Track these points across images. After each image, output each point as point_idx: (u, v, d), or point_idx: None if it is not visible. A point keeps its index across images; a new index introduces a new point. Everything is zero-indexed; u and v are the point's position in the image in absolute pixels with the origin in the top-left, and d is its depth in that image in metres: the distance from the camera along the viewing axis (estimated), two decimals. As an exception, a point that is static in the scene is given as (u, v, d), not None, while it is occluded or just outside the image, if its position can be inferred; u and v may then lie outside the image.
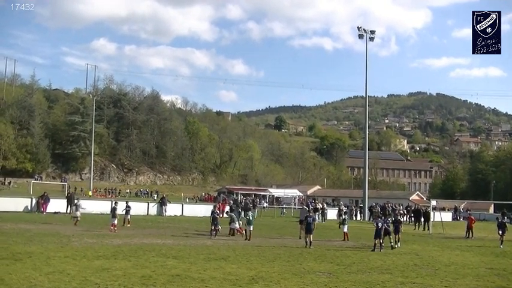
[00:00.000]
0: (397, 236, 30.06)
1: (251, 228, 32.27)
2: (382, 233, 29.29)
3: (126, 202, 40.12)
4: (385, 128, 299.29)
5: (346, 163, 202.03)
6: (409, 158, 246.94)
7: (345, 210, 56.81)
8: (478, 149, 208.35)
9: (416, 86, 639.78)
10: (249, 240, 31.18)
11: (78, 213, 36.85)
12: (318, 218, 53.57)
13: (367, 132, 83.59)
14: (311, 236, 28.64)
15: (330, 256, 25.01)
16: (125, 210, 37.35)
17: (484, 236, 42.27)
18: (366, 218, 68.13)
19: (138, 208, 51.54)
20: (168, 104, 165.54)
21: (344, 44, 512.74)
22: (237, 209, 36.77)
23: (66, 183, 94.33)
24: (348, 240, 33.60)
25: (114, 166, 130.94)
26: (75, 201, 39.85)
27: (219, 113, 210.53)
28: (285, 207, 74.69)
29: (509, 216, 71.31)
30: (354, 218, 70.53)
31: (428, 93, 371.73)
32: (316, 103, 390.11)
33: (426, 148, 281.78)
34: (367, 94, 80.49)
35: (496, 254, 29.86)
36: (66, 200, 49.27)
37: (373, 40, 78.25)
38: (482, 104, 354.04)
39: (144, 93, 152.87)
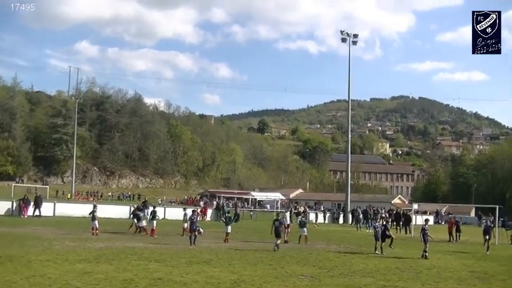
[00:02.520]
0: (381, 243, 29.96)
1: (229, 230, 32.33)
2: (380, 236, 29.84)
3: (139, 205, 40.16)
4: (367, 132, 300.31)
5: (328, 167, 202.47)
6: (391, 161, 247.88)
7: (301, 210, 57.21)
8: (459, 153, 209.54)
9: (399, 90, 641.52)
10: (226, 242, 31.26)
11: (144, 223, 36.31)
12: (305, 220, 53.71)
13: (350, 135, 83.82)
14: (279, 239, 28.80)
15: (312, 259, 25.05)
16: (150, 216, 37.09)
17: (466, 239, 42.50)
18: (349, 222, 68.27)
19: (121, 211, 51.53)
20: (151, 107, 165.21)
21: (328, 48, 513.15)
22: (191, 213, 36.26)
23: (47, 186, 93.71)
24: (307, 242, 33.55)
25: (96, 169, 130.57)
26: (151, 208, 39.27)
27: (202, 116, 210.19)
28: (253, 211, 74.05)
29: (489, 220, 71.69)
30: (337, 222, 70.78)
31: (411, 97, 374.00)
32: (299, 107, 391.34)
33: (408, 152, 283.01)
34: (350, 98, 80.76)
35: (478, 257, 30.00)
36: (33, 202, 48.64)
37: (356, 44, 78.78)
38: (464, 108, 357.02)
39: (127, 96, 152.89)
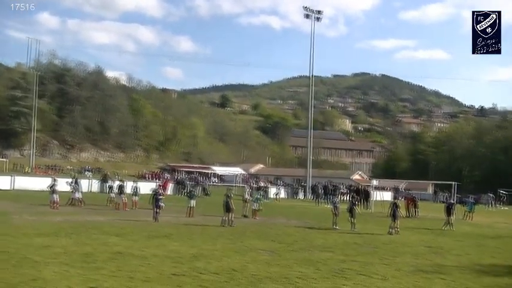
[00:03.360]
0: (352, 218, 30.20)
1: (193, 205, 32.30)
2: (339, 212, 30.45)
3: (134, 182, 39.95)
4: (329, 108, 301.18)
5: (289, 142, 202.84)
6: (352, 137, 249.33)
7: (262, 185, 57.61)
8: (419, 130, 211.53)
9: (361, 67, 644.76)
10: (190, 217, 31.30)
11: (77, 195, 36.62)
12: (261, 196, 53.70)
13: (311, 111, 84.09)
14: (230, 214, 28.39)
15: (272, 234, 25.21)
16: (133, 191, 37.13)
17: (424, 215, 43.06)
18: (309, 197, 68.73)
19: (81, 185, 51.19)
20: (112, 81, 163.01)
21: (292, 23, 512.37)
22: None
23: (6, 160, 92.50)
24: (256, 218, 33.79)
25: (56, 142, 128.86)
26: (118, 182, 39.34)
27: (163, 90, 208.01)
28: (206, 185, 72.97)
29: (445, 196, 72.85)
30: (297, 197, 71.24)
31: (372, 74, 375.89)
32: (262, 82, 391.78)
33: (369, 128, 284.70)
34: (312, 74, 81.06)
35: (435, 233, 30.46)
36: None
37: (320, 20, 78.95)
38: (425, 86, 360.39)
39: (88, 69, 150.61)
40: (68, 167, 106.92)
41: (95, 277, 13.41)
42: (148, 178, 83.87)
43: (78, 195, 36.10)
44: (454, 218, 33.64)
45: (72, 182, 38.29)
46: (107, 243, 19.35)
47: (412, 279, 15.45)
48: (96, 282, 12.82)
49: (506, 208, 68.24)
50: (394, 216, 28.83)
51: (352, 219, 29.64)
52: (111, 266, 15.05)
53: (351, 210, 30.05)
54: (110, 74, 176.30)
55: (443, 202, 67.04)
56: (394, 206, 29.54)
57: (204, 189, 60.31)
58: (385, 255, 20.23)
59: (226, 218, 28.19)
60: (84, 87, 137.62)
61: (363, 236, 26.43)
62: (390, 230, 28.44)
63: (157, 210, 29.21)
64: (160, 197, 30.30)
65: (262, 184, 61.27)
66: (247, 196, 36.70)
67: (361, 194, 53.97)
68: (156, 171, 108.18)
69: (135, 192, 36.61)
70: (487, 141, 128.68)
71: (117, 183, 38.65)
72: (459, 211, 41.32)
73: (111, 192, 37.59)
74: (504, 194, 74.10)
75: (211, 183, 71.57)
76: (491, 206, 66.45)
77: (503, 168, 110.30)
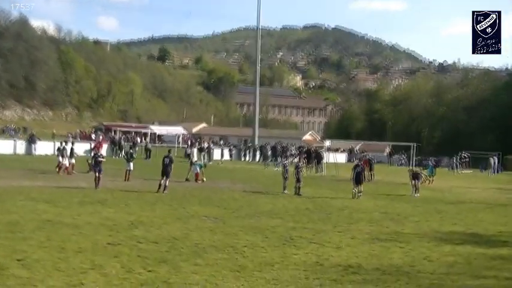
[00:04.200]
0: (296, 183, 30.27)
1: (131, 167, 32.04)
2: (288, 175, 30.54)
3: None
4: (277, 63, 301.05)
5: (235, 99, 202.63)
6: (302, 95, 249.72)
7: (205, 146, 57.76)
8: (375, 88, 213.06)
9: (312, 18, 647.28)
10: (126, 180, 31.09)
11: None
12: (204, 158, 53.54)
13: (259, 66, 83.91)
14: (167, 179, 27.65)
15: (216, 199, 25.22)
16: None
17: (379, 179, 43.51)
18: (256, 159, 68.81)
19: (5, 146, 50.43)
20: (38, 31, 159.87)
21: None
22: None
23: None
24: (201, 181, 33.82)
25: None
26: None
27: (96, 42, 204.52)
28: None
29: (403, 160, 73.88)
30: (243, 159, 71.28)
31: (325, 27, 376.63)
32: (204, 33, 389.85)
33: (321, 85, 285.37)
34: (259, 25, 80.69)
35: (391, 198, 30.79)
36: None
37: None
38: (380, 41, 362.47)
39: (11, 18, 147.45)
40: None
41: (22, 248, 13.25)
42: (77, 138, 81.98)
43: None
44: (419, 183, 33.87)
45: None
46: (35, 211, 19.09)
47: (367, 248, 15.63)
48: (24, 254, 12.66)
49: (470, 171, 68.96)
50: (357, 179, 29.13)
51: (298, 183, 29.75)
52: (40, 235, 14.87)
53: (297, 174, 30.16)
54: (35, 23, 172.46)
55: (401, 166, 68.04)
56: (359, 168, 29.81)
57: (147, 150, 59.87)
58: (338, 222, 20.42)
59: (161, 183, 27.84)
60: (7, 37, 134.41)
61: (314, 201, 26.60)
62: (358, 194, 28.80)
63: (99, 175, 28.03)
64: (102, 159, 29.31)
65: (205, 145, 61.03)
66: (195, 159, 36.70)
67: (313, 156, 54.25)
68: (83, 130, 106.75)
69: (72, 154, 36.01)
70: (447, 100, 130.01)
71: (69, 145, 37.78)
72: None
73: (63, 156, 36.43)
74: (466, 156, 74.67)
75: (150, 143, 70.81)
76: (455, 168, 66.93)
77: (464, 129, 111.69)
